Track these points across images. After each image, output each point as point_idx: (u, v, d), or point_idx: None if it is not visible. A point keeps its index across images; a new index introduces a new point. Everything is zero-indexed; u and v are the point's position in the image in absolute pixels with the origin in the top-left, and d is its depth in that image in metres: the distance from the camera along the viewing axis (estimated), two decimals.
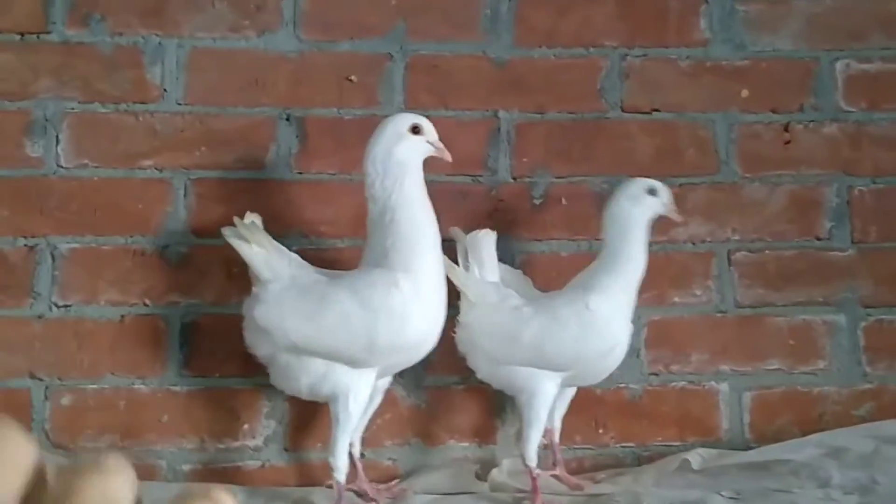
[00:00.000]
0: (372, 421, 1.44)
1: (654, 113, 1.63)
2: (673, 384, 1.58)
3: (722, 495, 1.41)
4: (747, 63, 1.66)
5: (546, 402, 1.36)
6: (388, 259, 1.28)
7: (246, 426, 1.52)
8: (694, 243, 1.61)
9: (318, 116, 1.60)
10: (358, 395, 1.29)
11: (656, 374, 1.58)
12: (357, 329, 1.27)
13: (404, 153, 1.30)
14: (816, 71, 1.66)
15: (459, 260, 1.43)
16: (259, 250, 1.34)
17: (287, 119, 1.59)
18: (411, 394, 1.55)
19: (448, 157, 1.34)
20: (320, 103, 1.60)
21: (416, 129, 1.32)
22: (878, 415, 1.59)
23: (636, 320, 1.49)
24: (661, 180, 1.59)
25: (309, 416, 1.51)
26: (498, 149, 1.61)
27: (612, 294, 1.38)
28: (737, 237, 1.61)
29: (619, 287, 1.39)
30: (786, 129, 1.65)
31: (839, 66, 1.67)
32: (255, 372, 1.43)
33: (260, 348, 1.34)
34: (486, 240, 1.43)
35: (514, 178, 1.61)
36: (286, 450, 1.52)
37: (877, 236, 1.62)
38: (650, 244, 1.40)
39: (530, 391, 1.36)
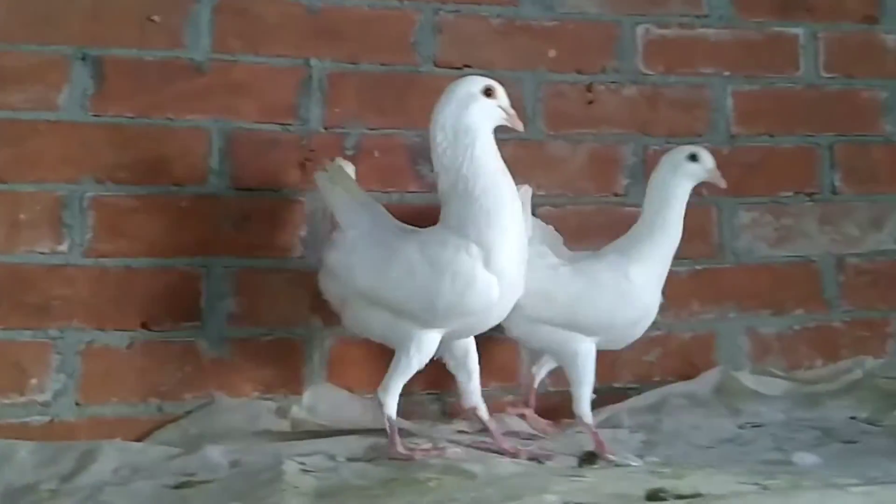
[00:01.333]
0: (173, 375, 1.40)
1: (466, 69, 1.65)
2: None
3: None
4: (555, 24, 1.71)
5: (589, 360, 1.37)
6: (465, 229, 1.23)
7: (34, 381, 1.45)
8: None
9: (116, 57, 1.51)
10: (421, 350, 1.27)
11: None
12: (419, 286, 1.24)
13: (475, 117, 1.24)
14: (619, 34, 1.74)
15: None
16: (343, 196, 1.34)
17: (83, 58, 1.50)
18: (213, 346, 1.52)
19: (520, 126, 1.29)
20: (120, 43, 1.51)
21: (489, 92, 1.26)
22: (665, 360, 1.71)
23: None
24: None
25: (104, 369, 1.46)
26: (309, 98, 1.59)
27: (651, 264, 1.40)
28: (542, 192, 1.66)
29: (657, 257, 1.41)
30: (589, 89, 1.72)
31: (640, 30, 1.75)
32: (45, 324, 1.37)
33: (331, 291, 1.36)
34: (524, 196, 1.38)
35: (326, 129, 1.59)
36: (77, 404, 1.46)
37: None
38: None
39: (572, 352, 1.37)
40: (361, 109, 1.61)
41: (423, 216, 1.60)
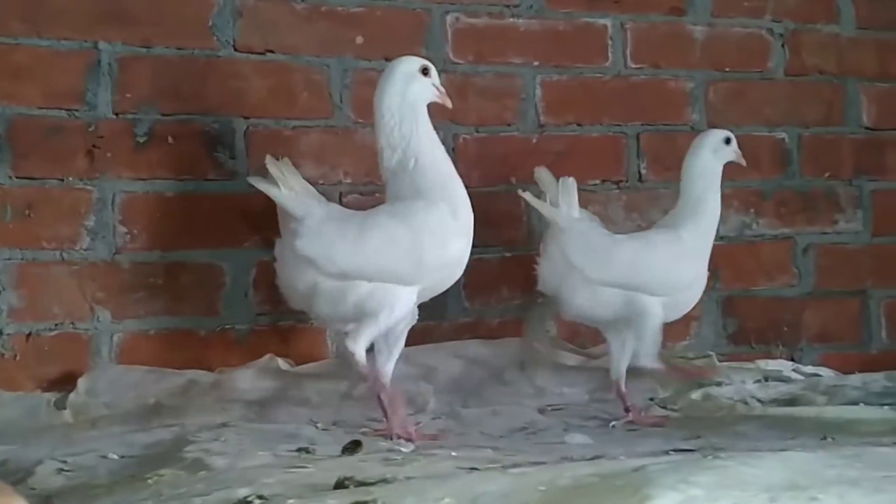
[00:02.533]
0: None
1: (269, 54, 1.62)
2: (281, 323, 1.60)
3: (317, 426, 1.47)
4: (362, 10, 1.70)
5: (657, 320, 1.52)
6: (423, 195, 1.34)
7: None
8: None
9: None
10: (394, 309, 1.35)
11: (264, 314, 1.59)
12: (403, 248, 1.34)
13: (416, 95, 1.35)
14: (428, 22, 1.74)
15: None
16: (288, 192, 1.36)
17: None
18: None
19: (449, 103, 1.39)
20: None
21: (425, 71, 1.36)
22: None
23: (246, 262, 1.52)
24: (274, 122, 1.61)
25: None
26: (98, 83, 1.52)
27: (699, 234, 1.56)
28: (349, 180, 1.66)
29: (703, 229, 1.57)
30: None
31: (449, 18, 1.75)
32: None
33: (300, 281, 1.36)
34: (573, 185, 1.55)
35: (116, 115, 1.54)
36: None
37: (479, 181, 1.73)
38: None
39: (639, 311, 1.51)
40: (155, 95, 1.56)
41: (223, 207, 1.58)
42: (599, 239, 1.55)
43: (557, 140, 1.81)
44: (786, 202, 1.95)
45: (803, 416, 1.29)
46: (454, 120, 1.74)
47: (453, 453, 1.09)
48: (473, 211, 1.72)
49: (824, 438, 1.11)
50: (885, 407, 1.21)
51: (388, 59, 1.68)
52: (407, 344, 1.63)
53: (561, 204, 1.55)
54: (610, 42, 1.86)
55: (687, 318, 1.86)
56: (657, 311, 1.55)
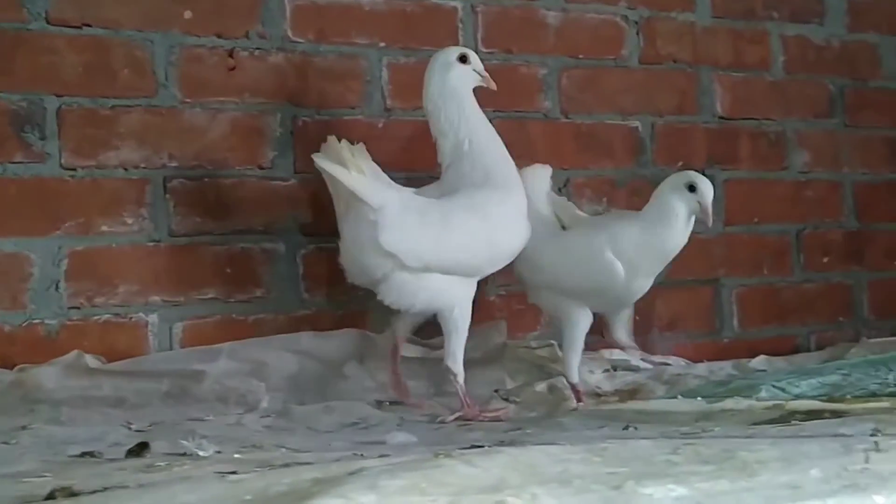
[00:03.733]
0: None
1: (85, 28, 1.51)
2: (96, 318, 1.50)
3: (130, 427, 1.37)
4: None
5: (578, 329, 1.53)
6: (490, 179, 1.42)
7: None
8: (126, 168, 1.53)
9: None
10: (468, 303, 1.43)
11: (77, 308, 1.48)
12: (482, 242, 1.41)
13: (456, 82, 1.42)
14: None
15: None
16: (360, 176, 1.36)
17: None
18: None
19: (493, 85, 1.45)
20: None
21: (463, 59, 1.42)
22: None
23: (56, 251, 1.41)
24: (90, 101, 1.51)
25: None
26: None
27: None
28: (174, 164, 1.56)
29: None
30: (230, 55, 1.62)
31: None
32: None
33: (373, 272, 1.39)
34: (543, 175, 1.62)
35: None
36: None
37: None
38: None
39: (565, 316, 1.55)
40: None
41: (32, 191, 1.47)
42: (531, 245, 1.49)
43: (405, 125, 1.74)
44: (639, 191, 1.92)
45: (626, 410, 1.27)
46: (293, 101, 1.66)
47: (236, 455, 1.01)
48: (316, 198, 1.67)
49: (626, 428, 1.09)
50: (699, 399, 1.19)
51: (219, 36, 1.61)
52: (234, 339, 1.57)
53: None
54: (460, 25, 1.80)
55: (537, 308, 1.84)
56: (583, 318, 1.53)
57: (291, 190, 1.64)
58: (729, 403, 1.13)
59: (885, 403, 1.12)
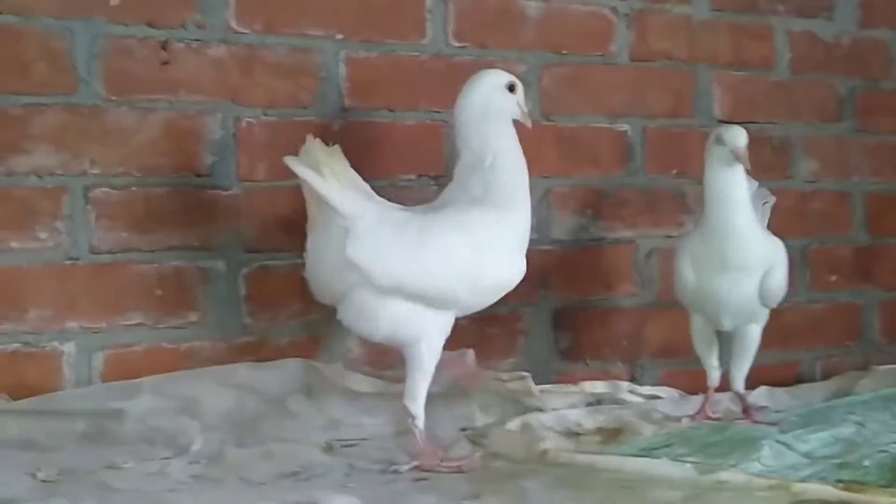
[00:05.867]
0: None
1: None
2: (3, 347, 1.31)
3: (35, 476, 1.19)
4: None
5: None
6: (492, 198, 1.29)
7: None
8: (41, 176, 1.35)
9: None
10: (439, 340, 1.28)
11: None
12: (464, 267, 1.26)
13: (499, 107, 1.33)
14: None
15: None
16: (335, 184, 1.25)
17: None
18: None
19: (529, 122, 1.35)
20: None
21: (511, 88, 1.34)
22: None
23: None
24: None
25: None
26: None
27: None
28: (96, 171, 1.37)
29: None
30: (164, 47, 1.43)
31: None
32: None
33: (335, 287, 1.27)
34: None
35: None
36: None
37: (266, 174, 1.48)
38: None
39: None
40: None
41: None
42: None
43: (364, 127, 1.55)
44: (627, 202, 1.75)
45: (602, 468, 1.08)
46: (236, 100, 1.47)
47: None
48: (261, 210, 1.49)
49: None
50: (688, 465, 1.00)
51: (150, 25, 1.42)
52: (165, 370, 1.39)
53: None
54: (429, 16, 1.61)
55: (513, 332, 1.65)
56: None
57: (233, 200, 1.45)
58: (724, 475, 0.94)
59: None
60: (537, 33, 1.71)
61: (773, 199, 1.58)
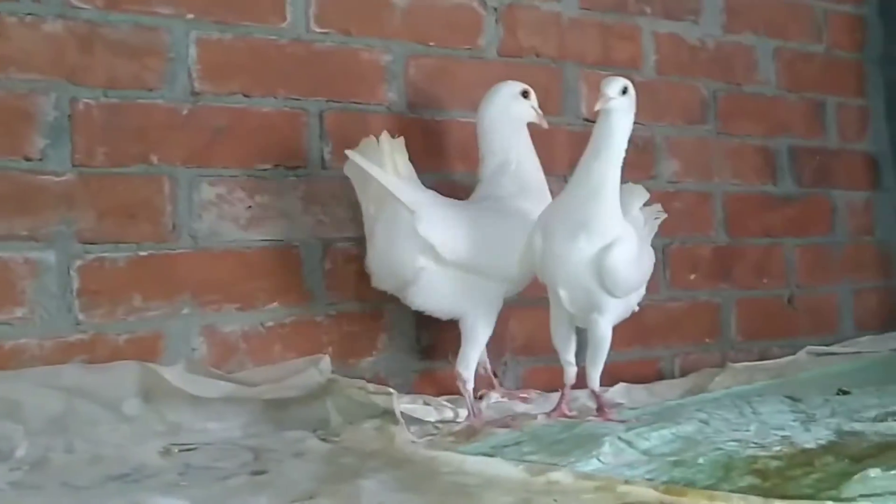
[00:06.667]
0: None
1: None
2: None
3: None
4: None
5: None
6: (525, 193, 1.49)
7: None
8: None
9: None
10: (493, 312, 1.45)
11: None
12: (514, 245, 1.41)
13: (516, 113, 1.53)
14: None
15: None
16: (396, 178, 1.39)
17: None
18: None
19: (545, 124, 1.56)
20: None
21: (525, 94, 1.54)
22: None
23: None
24: None
25: None
26: None
27: None
28: None
29: None
30: None
31: None
32: None
33: (406, 270, 1.40)
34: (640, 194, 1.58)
35: None
36: None
37: (104, 159, 1.38)
38: None
39: None
40: None
41: None
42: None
43: (217, 112, 1.47)
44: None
45: (445, 467, 1.04)
46: (73, 80, 1.37)
47: None
48: (97, 198, 1.39)
49: None
50: (521, 466, 0.97)
51: None
52: None
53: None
54: None
55: (375, 330, 1.60)
56: None
57: (66, 187, 1.35)
58: (554, 475, 0.91)
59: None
60: (404, 23, 1.66)
61: (664, 216, 1.58)
